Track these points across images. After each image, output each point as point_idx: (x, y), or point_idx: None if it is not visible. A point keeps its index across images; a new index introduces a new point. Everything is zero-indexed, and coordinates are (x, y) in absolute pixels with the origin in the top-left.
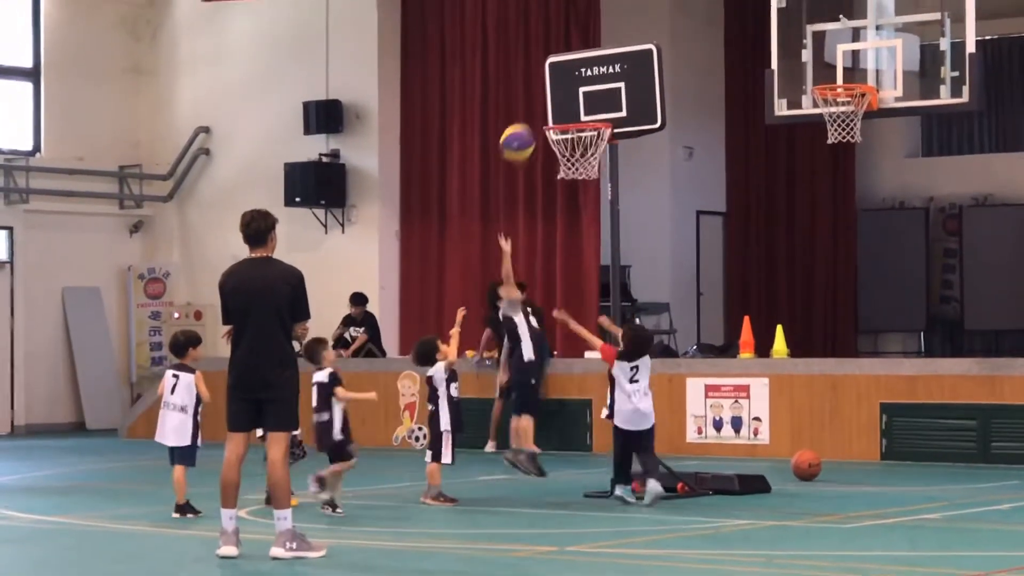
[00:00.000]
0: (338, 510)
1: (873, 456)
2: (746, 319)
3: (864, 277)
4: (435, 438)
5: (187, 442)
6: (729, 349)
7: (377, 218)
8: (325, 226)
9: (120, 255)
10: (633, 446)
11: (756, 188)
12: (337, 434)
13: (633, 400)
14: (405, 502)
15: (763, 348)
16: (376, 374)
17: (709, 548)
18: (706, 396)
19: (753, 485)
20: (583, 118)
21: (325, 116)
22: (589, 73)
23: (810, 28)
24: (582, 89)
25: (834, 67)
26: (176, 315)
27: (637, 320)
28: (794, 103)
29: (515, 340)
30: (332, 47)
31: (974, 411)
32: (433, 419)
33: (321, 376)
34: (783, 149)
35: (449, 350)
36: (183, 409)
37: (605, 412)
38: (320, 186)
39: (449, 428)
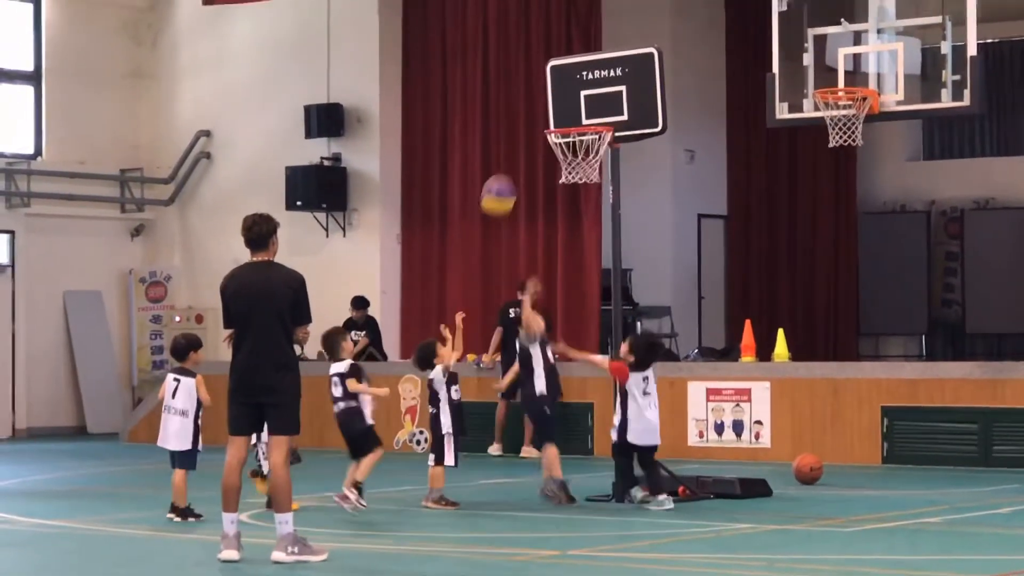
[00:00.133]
0: (362, 501)
1: (874, 460)
2: (747, 322)
3: (865, 280)
4: (437, 441)
5: (188, 446)
6: (730, 353)
7: (378, 222)
8: (326, 230)
9: (121, 259)
10: (645, 460)
11: (757, 191)
12: (369, 418)
13: (647, 414)
14: (407, 506)
15: (764, 352)
16: (377, 378)
17: (711, 552)
18: (707, 400)
19: (754, 489)
20: (584, 121)
21: (326, 120)
22: (590, 76)
23: (811, 31)
24: (583, 92)
25: (835, 70)
26: (177, 319)
27: (640, 325)
28: (795, 106)
29: (528, 371)
30: (333, 51)
31: (975, 415)
32: (434, 422)
33: (341, 367)
34: (784, 152)
35: (447, 352)
36: (184, 413)
37: (614, 434)
38: (321, 190)
39: (451, 431)
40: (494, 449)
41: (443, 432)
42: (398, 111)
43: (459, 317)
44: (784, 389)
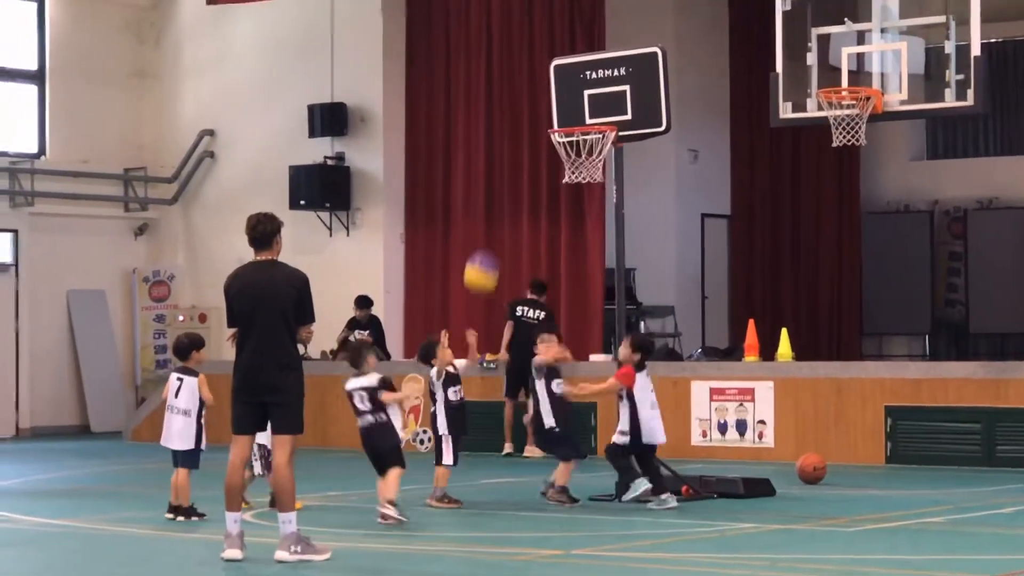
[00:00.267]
0: (404, 514)
1: (878, 459)
2: (751, 322)
3: (869, 280)
4: (436, 441)
5: (191, 445)
6: (734, 352)
7: (382, 221)
8: (330, 229)
9: (125, 258)
10: (648, 459)
11: (761, 191)
12: (401, 432)
13: (655, 411)
14: (410, 505)
15: (768, 351)
16: None
17: (714, 552)
18: (711, 399)
19: (758, 488)
20: (588, 121)
21: (330, 119)
22: (594, 76)
23: (815, 31)
24: (587, 92)
25: (839, 70)
26: (181, 318)
27: (644, 324)
28: (799, 106)
29: (536, 402)
30: (337, 50)
31: (979, 414)
32: (433, 422)
33: (371, 380)
34: (788, 152)
35: (445, 354)
36: (187, 413)
37: (624, 439)
38: (325, 189)
39: (446, 432)
40: (508, 449)
41: (440, 433)
42: (402, 110)
43: (471, 336)
44: (787, 389)
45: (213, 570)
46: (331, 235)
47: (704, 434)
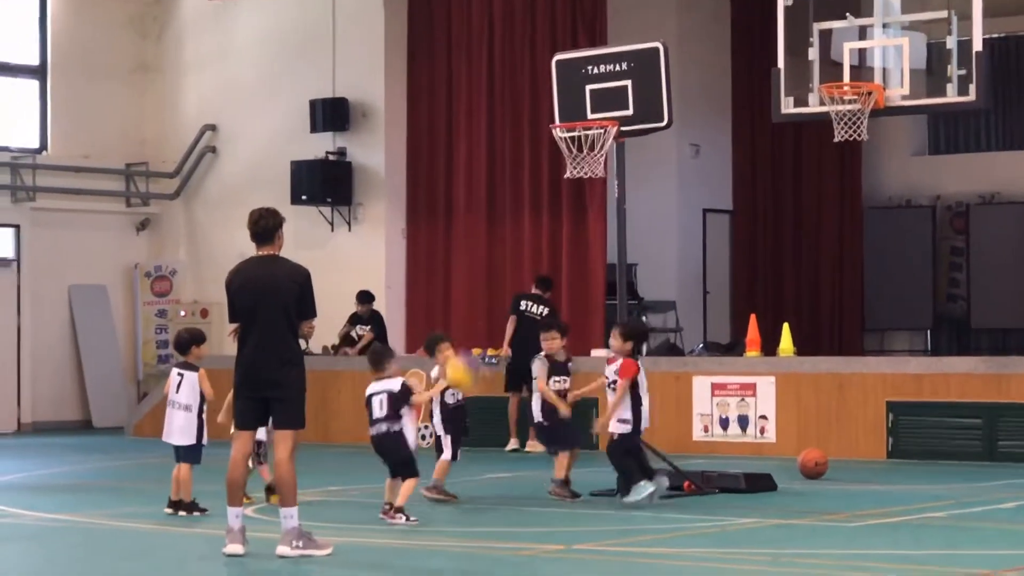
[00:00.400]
0: (412, 517)
1: (879, 454)
2: (752, 317)
3: (870, 275)
4: (436, 439)
5: (192, 441)
6: (735, 347)
7: (383, 216)
8: (331, 224)
9: (127, 253)
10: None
11: (763, 186)
12: (412, 443)
13: (646, 399)
14: (412, 500)
15: (769, 346)
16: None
17: (715, 546)
18: (712, 394)
19: (759, 483)
20: (590, 116)
21: (332, 114)
22: (596, 71)
23: (817, 26)
24: (589, 87)
25: (841, 65)
26: (183, 313)
27: (646, 319)
28: (801, 101)
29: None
30: (339, 45)
31: (980, 410)
32: (431, 419)
33: (393, 385)
34: (790, 147)
35: (430, 388)
36: (188, 408)
37: (626, 427)
38: (326, 184)
39: (442, 432)
40: (513, 444)
41: (437, 433)
42: (403, 105)
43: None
44: (789, 384)
45: (214, 565)
46: (333, 230)
47: (706, 429)
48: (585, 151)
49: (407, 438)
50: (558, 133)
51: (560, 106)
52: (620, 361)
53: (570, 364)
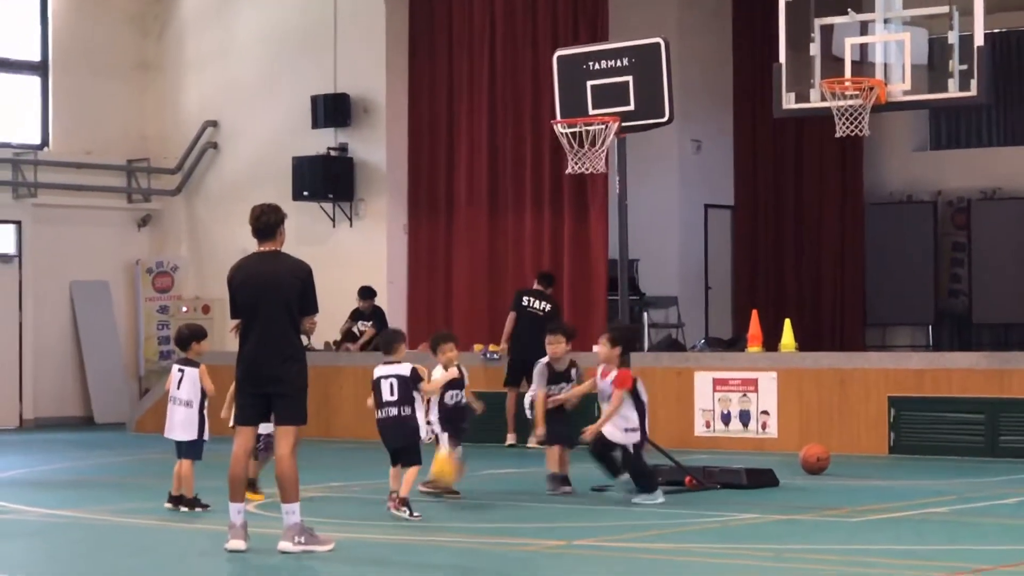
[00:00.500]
0: (416, 513)
1: (881, 450)
2: (754, 313)
3: (872, 271)
4: (435, 438)
5: (194, 436)
6: (737, 343)
7: (385, 212)
8: (333, 220)
9: (128, 249)
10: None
11: (764, 182)
12: (423, 430)
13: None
14: (413, 496)
15: (771, 342)
16: None
17: (717, 542)
18: (714, 390)
19: (761, 479)
20: (591, 112)
21: (333, 110)
22: (597, 67)
23: (818, 22)
24: (590, 83)
25: (842, 60)
26: (184, 309)
27: (645, 316)
28: (802, 96)
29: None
30: (340, 41)
31: (982, 405)
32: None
33: (403, 369)
34: (791, 143)
35: (430, 382)
36: (189, 404)
37: (635, 436)
38: (328, 180)
39: (438, 431)
40: (510, 439)
41: (435, 431)
42: (405, 101)
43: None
44: (791, 379)
45: (216, 561)
46: (334, 226)
47: (707, 425)
48: (586, 147)
49: (418, 423)
50: (559, 129)
51: (561, 102)
52: (614, 374)
53: (574, 371)
